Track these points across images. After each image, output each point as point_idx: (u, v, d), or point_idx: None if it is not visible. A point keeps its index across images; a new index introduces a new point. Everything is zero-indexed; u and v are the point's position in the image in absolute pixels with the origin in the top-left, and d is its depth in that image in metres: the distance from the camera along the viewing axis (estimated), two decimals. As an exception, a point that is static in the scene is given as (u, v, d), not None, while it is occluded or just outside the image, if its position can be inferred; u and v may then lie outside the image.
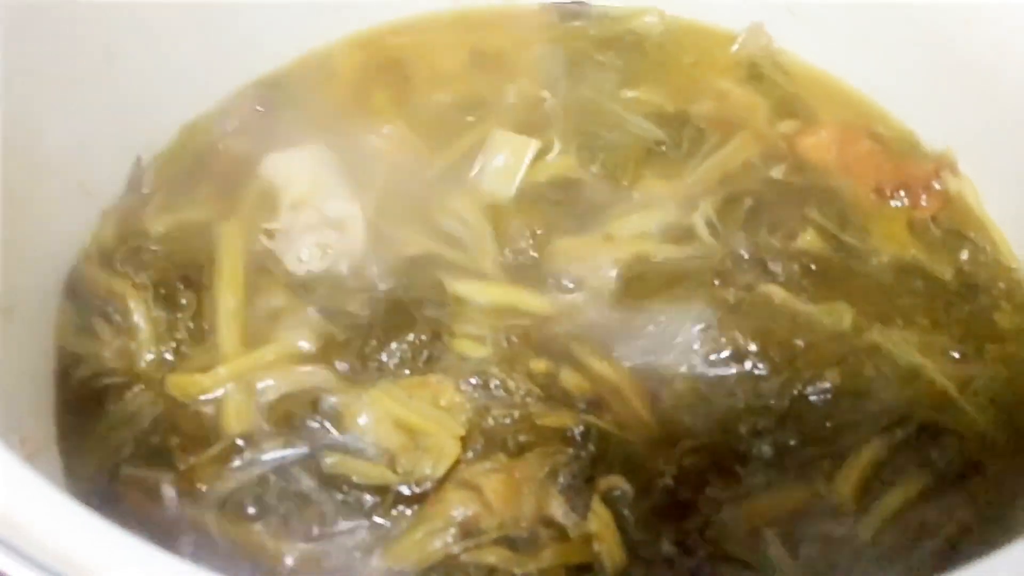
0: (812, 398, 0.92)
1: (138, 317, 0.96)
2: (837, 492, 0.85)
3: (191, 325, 0.96)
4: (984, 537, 0.84)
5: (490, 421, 0.89)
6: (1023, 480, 0.89)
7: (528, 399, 0.91)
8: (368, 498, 0.85)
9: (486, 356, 0.94)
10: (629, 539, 0.83)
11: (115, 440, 0.90)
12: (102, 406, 0.92)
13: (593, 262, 1.02)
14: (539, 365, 0.93)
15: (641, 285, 1.00)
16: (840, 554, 0.82)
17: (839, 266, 1.03)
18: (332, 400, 0.90)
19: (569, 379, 0.93)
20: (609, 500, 0.84)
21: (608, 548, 0.82)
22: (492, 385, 0.91)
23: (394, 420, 0.89)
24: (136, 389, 0.93)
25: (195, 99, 1.15)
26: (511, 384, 0.91)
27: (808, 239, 1.04)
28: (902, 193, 1.09)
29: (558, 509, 0.84)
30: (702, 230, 1.04)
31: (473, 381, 0.91)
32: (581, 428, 0.88)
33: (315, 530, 0.84)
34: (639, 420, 0.91)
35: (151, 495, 0.86)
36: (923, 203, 1.09)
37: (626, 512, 0.84)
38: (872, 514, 0.84)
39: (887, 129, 1.17)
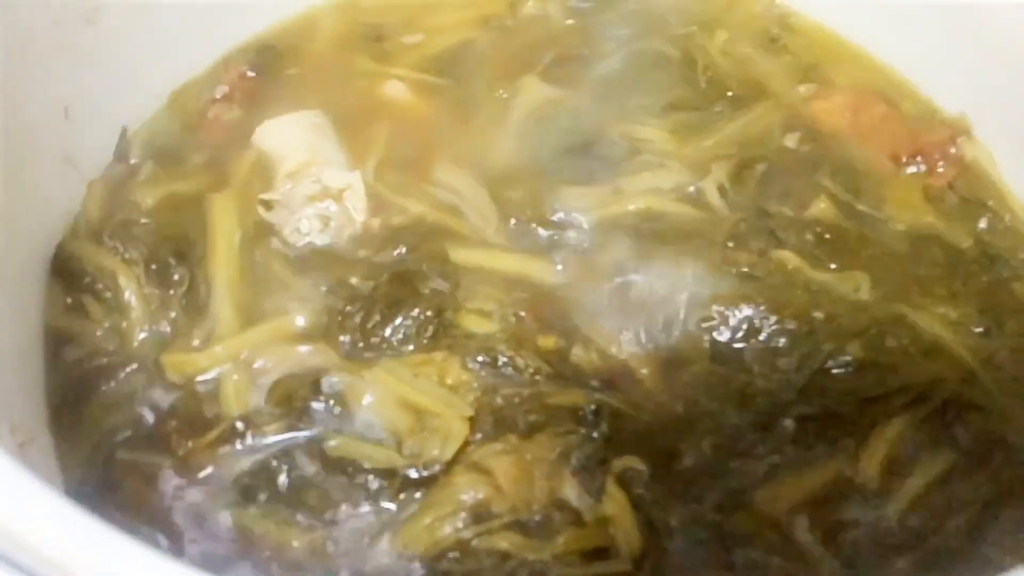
0: (834, 371, 0.89)
1: (129, 294, 0.92)
2: (862, 471, 0.83)
3: (185, 302, 0.92)
4: (1008, 517, 0.82)
5: (499, 400, 0.86)
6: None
7: (538, 377, 0.88)
8: (374, 482, 0.82)
9: (493, 332, 0.91)
10: (646, 522, 0.80)
11: (110, 424, 0.87)
12: (95, 388, 0.89)
13: (602, 213, 0.98)
14: (548, 341, 0.90)
15: (652, 241, 0.96)
16: (867, 535, 0.80)
17: (853, 235, 1.00)
18: (334, 380, 0.87)
19: (580, 356, 0.90)
20: (624, 481, 0.82)
21: (624, 532, 0.79)
22: (500, 363, 0.88)
23: (399, 400, 0.86)
24: (130, 369, 0.89)
25: (182, 65, 1.11)
26: (520, 361, 0.88)
27: (821, 207, 1.01)
28: (918, 159, 1.06)
29: (571, 492, 0.81)
30: (712, 195, 1.01)
31: (480, 359, 0.88)
32: (593, 407, 0.85)
33: (320, 516, 0.81)
34: (653, 397, 0.88)
35: (149, 481, 0.83)
36: (939, 170, 1.06)
37: (642, 493, 0.81)
38: (898, 494, 0.82)
39: (903, 94, 1.13)
